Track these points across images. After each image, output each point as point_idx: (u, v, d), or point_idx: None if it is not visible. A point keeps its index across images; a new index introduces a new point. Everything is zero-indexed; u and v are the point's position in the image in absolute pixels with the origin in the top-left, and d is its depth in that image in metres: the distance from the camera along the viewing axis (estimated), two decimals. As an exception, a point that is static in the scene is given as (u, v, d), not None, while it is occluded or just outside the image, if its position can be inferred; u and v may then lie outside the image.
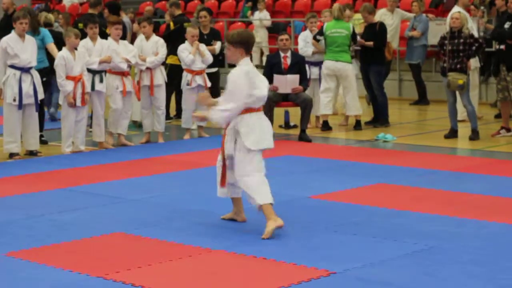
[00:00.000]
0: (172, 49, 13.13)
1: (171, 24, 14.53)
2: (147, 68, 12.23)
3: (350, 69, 13.09)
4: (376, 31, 13.32)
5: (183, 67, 12.46)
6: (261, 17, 19.85)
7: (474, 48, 11.97)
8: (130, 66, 12.04)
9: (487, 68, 15.49)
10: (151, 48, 12.31)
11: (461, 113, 12.73)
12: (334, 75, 13.07)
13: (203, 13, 13.79)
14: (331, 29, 13.07)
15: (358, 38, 13.57)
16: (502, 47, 12.01)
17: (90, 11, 14.04)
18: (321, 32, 13.24)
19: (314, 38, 13.39)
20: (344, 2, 17.30)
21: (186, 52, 12.31)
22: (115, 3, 15.25)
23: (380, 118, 13.43)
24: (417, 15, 16.07)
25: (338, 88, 13.60)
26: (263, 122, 7.27)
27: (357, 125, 13.23)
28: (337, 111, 14.34)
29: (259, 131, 7.17)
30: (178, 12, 14.87)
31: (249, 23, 20.30)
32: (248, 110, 7.16)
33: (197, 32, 12.43)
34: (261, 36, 19.62)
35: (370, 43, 13.21)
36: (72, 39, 11.21)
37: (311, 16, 13.94)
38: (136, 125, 13.63)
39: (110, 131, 11.98)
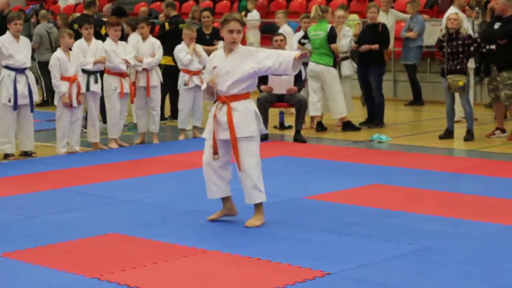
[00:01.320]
0: (166, 50, 13.12)
1: (166, 24, 14.52)
2: (143, 69, 12.23)
3: (330, 72, 12.98)
4: (379, 33, 13.26)
5: (180, 67, 12.45)
6: (252, 17, 19.89)
7: (472, 48, 11.99)
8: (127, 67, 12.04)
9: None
10: (148, 49, 12.31)
11: (457, 113, 12.73)
12: (316, 76, 13.06)
13: (206, 13, 13.81)
14: (312, 31, 13.08)
15: (352, 40, 13.56)
16: (493, 47, 12.02)
17: (85, 11, 14.03)
18: (305, 36, 13.26)
19: (299, 42, 13.40)
20: (339, 3, 17.35)
21: (183, 52, 12.32)
22: (121, 8, 15.22)
23: (375, 119, 13.42)
24: (413, 15, 16.07)
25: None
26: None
27: (345, 127, 13.20)
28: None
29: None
30: (173, 13, 14.88)
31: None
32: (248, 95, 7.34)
33: (194, 34, 12.43)
34: (253, 37, 19.66)
35: (376, 46, 13.15)
36: (66, 39, 11.21)
37: (304, 16, 13.95)
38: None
39: (113, 138, 11.93)
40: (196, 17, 15.59)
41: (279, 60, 7.13)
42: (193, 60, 12.33)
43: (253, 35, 19.75)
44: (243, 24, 7.28)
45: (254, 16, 19.95)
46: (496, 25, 12.03)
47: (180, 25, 13.96)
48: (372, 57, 13.25)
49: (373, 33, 13.30)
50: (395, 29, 16.54)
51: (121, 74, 11.86)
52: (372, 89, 13.42)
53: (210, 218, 7.49)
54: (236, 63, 7.20)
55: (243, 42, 19.96)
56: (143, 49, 12.31)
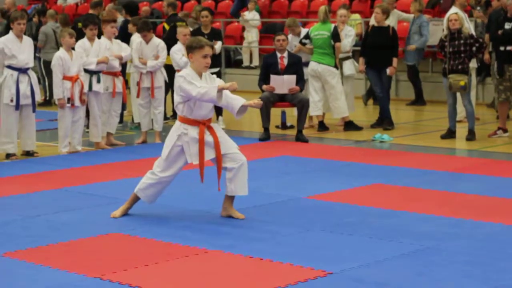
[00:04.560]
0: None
1: (165, 25, 14.54)
2: (147, 71, 12.24)
3: (332, 72, 12.97)
4: (390, 37, 13.20)
5: (176, 68, 12.38)
6: (251, 17, 19.92)
7: (474, 48, 11.98)
8: (125, 68, 12.01)
9: (484, 69, 15.48)
10: (152, 51, 12.27)
11: (458, 113, 12.71)
12: (318, 76, 13.05)
13: (205, 12, 13.77)
14: (315, 31, 13.07)
15: (354, 39, 13.53)
16: (510, 48, 11.94)
17: (91, 11, 14.02)
18: (307, 36, 13.24)
19: (300, 42, 13.39)
20: (341, 3, 17.33)
21: (179, 54, 12.30)
22: (132, 5, 15.18)
23: (386, 119, 13.34)
24: (416, 16, 15.98)
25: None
26: None
27: (347, 126, 13.20)
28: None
29: None
30: (172, 12, 14.89)
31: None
32: None
33: (188, 31, 12.39)
34: (252, 36, 19.69)
35: (395, 65, 13.11)
36: (67, 38, 11.23)
37: (292, 25, 13.81)
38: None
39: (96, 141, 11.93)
40: (198, 16, 15.58)
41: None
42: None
43: (256, 34, 19.80)
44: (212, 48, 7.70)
45: (254, 16, 19.97)
46: (507, 25, 11.97)
47: (178, 23, 13.96)
48: (385, 59, 13.17)
49: (383, 36, 13.19)
50: (397, 29, 16.47)
51: (114, 74, 11.86)
52: (381, 90, 13.35)
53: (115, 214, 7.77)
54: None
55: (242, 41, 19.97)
56: (146, 51, 12.27)
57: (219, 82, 7.57)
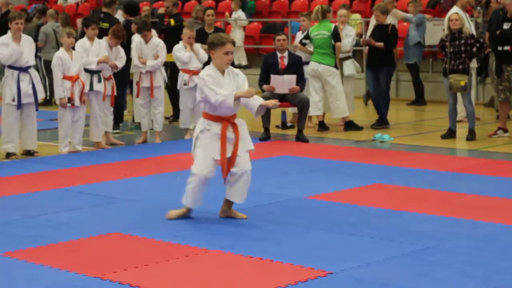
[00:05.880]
0: (170, 47, 13.06)
1: (172, 21, 14.54)
2: (147, 71, 12.24)
3: (332, 73, 12.96)
4: (388, 33, 13.23)
5: (180, 67, 12.41)
6: (237, 17, 19.95)
7: (475, 48, 11.97)
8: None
9: (484, 69, 15.47)
10: (151, 50, 12.29)
11: (459, 113, 12.71)
12: (318, 76, 13.05)
13: (211, 11, 13.79)
14: (315, 31, 13.06)
15: (354, 39, 13.53)
16: (507, 48, 11.94)
17: (104, 10, 14.02)
18: (307, 36, 13.24)
19: (300, 42, 13.40)
20: (341, 2, 17.32)
21: (181, 51, 12.30)
22: (133, 5, 15.17)
23: (381, 119, 13.34)
24: (415, 15, 16.01)
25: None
26: None
27: (347, 126, 13.19)
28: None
29: None
30: (175, 11, 14.89)
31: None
32: None
33: (193, 34, 12.41)
34: (236, 37, 19.68)
35: (380, 44, 13.10)
36: (64, 38, 11.26)
37: (305, 14, 13.95)
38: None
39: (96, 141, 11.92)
40: (199, 16, 15.57)
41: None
42: (192, 57, 12.30)
43: (239, 33, 19.81)
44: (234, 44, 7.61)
45: (240, 16, 20.00)
46: (506, 25, 11.97)
47: (184, 23, 13.97)
48: (383, 58, 13.18)
49: (382, 33, 13.24)
50: (398, 29, 16.48)
51: (106, 78, 11.87)
52: (374, 89, 13.39)
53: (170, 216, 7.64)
54: (232, 82, 7.43)
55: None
56: (146, 50, 12.30)
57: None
